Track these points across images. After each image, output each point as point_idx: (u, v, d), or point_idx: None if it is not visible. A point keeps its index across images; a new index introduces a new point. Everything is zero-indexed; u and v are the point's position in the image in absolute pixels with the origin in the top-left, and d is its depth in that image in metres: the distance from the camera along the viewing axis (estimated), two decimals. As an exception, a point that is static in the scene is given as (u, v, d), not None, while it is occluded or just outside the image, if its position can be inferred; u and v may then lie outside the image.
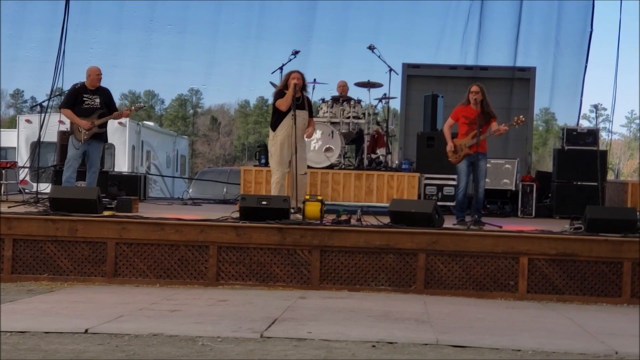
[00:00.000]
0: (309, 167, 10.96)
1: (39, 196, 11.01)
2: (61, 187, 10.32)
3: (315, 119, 11.02)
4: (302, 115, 10.16)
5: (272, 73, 12.76)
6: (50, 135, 12.38)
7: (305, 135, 10.37)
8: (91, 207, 9.41)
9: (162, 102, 53.93)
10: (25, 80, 17.63)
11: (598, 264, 8.90)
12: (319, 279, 8.94)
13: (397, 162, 13.51)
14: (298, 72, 10.27)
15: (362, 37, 14.82)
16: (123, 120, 16.91)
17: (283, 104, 10.01)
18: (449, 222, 9.82)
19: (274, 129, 10.21)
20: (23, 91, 42.63)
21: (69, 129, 11.13)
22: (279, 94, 10.16)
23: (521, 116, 10.38)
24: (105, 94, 10.86)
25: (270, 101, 11.45)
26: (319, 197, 9.67)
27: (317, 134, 11.89)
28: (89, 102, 10.69)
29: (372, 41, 13.30)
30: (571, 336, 6.86)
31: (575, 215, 10.13)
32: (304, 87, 10.36)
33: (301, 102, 10.21)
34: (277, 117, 10.17)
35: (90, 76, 10.78)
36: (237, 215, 9.52)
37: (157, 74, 17.91)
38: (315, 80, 13.16)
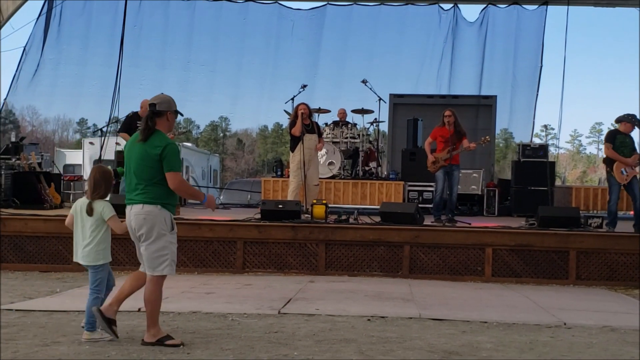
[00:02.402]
0: (316, 177, 10.97)
1: (100, 203, 11.02)
2: (119, 196, 10.30)
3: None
4: (312, 138, 10.17)
5: (286, 103, 12.79)
6: (109, 154, 12.41)
7: (317, 148, 10.35)
8: (142, 211, 9.41)
9: (198, 127, 53.93)
10: (89, 111, 17.65)
11: (549, 252, 8.89)
12: (325, 266, 8.95)
13: (385, 172, 13.51)
14: (304, 103, 10.28)
15: (357, 73, 14.77)
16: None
17: (296, 130, 10.03)
18: (428, 220, 9.83)
19: (292, 151, 10.25)
20: (87, 119, 42.73)
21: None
22: (292, 123, 10.17)
23: (487, 137, 10.40)
24: None
25: (284, 126, 11.48)
26: (324, 201, 9.69)
27: (322, 151, 11.92)
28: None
29: (365, 76, 13.34)
30: (528, 310, 6.85)
31: (530, 213, 10.12)
32: (310, 115, 10.36)
33: (311, 127, 10.21)
34: (293, 141, 10.19)
35: (143, 107, 10.82)
36: (259, 216, 9.54)
37: (194, 105, 17.84)
38: (319, 108, 13.19)
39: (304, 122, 10.05)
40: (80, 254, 5.26)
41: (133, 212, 5.02)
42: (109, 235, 5.31)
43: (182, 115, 5.37)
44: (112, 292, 5.43)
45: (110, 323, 5.11)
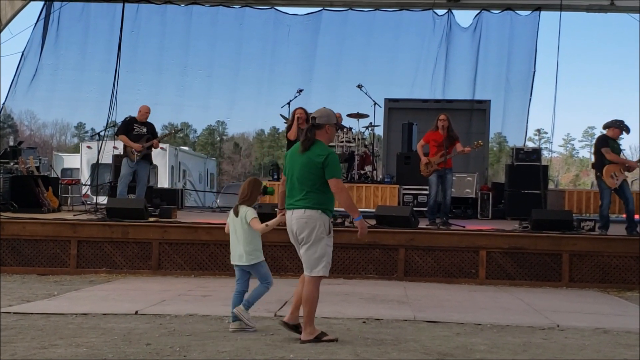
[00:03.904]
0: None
1: (98, 206, 11.02)
2: (115, 199, 10.34)
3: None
4: None
5: (282, 107, 12.78)
6: (107, 158, 12.39)
7: None
8: (139, 215, 9.42)
9: (195, 131, 53.72)
10: (87, 115, 17.53)
11: (542, 255, 8.90)
12: (321, 269, 8.91)
13: (381, 176, 13.52)
14: (301, 108, 10.27)
15: (352, 78, 14.78)
16: (164, 145, 16.96)
17: (292, 134, 10.03)
18: (423, 223, 9.82)
19: None
20: (85, 124, 42.45)
21: (122, 153, 11.17)
22: (289, 127, 10.16)
23: (480, 141, 10.40)
24: (150, 127, 10.99)
25: (281, 130, 11.46)
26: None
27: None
28: (138, 130, 10.79)
29: (360, 81, 13.35)
30: (521, 313, 6.86)
31: (524, 216, 10.14)
32: (307, 119, 10.34)
33: None
34: (290, 145, 10.16)
35: (141, 112, 10.94)
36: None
37: (191, 109, 17.81)
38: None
39: (300, 126, 10.04)
40: (236, 257, 5.82)
41: (295, 216, 5.34)
42: (257, 237, 5.78)
43: (342, 127, 5.70)
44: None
45: (295, 329, 5.41)
